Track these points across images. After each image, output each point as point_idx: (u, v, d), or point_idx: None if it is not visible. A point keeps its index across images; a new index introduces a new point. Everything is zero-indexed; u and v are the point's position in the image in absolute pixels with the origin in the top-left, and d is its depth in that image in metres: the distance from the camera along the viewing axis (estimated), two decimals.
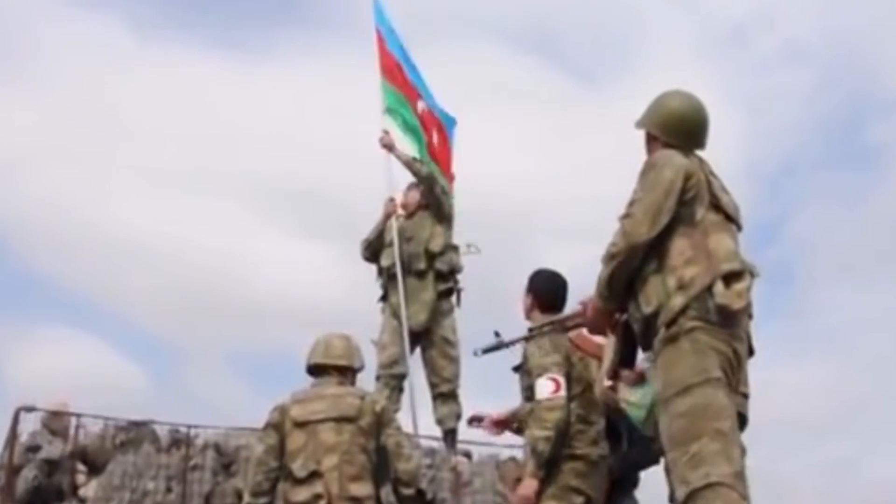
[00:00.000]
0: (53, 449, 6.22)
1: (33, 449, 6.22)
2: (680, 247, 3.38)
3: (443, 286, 6.72)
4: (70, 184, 19.18)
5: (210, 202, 19.92)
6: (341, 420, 4.46)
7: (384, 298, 6.85)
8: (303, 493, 4.33)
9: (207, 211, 19.50)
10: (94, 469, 6.28)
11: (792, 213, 21.88)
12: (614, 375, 4.21)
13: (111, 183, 18.92)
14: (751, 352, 3.47)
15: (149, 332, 19.83)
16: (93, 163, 19.04)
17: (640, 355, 3.83)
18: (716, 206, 3.48)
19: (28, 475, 6.07)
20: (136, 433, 6.29)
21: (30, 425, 6.31)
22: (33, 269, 20.18)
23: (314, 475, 4.35)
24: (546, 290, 4.54)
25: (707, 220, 3.43)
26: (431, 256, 6.68)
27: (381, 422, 4.55)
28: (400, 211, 6.85)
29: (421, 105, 7.23)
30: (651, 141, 3.68)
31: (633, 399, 3.87)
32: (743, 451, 3.40)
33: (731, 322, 3.30)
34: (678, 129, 3.62)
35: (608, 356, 4.29)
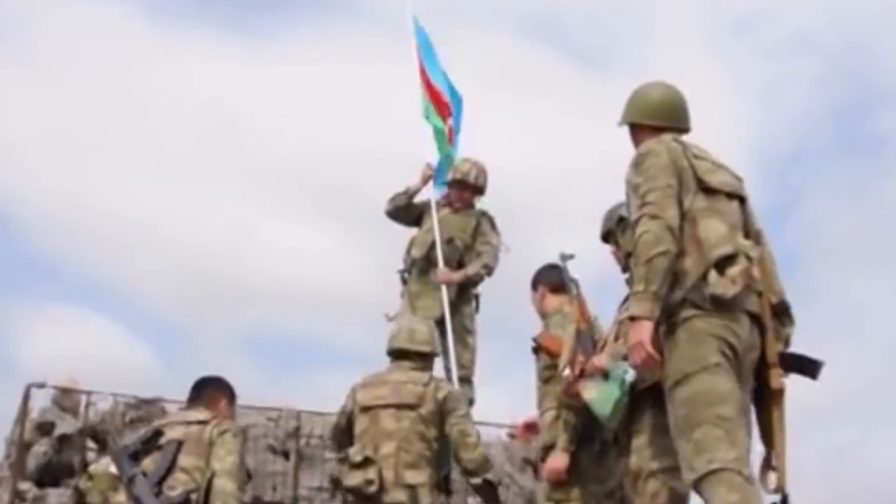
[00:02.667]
0: (65, 426, 6.25)
1: (44, 425, 6.25)
2: None
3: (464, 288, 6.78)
4: (82, 168, 19.29)
5: (220, 186, 19.96)
6: (402, 407, 4.56)
7: (405, 282, 6.87)
8: (356, 477, 4.43)
9: (217, 195, 19.56)
10: (105, 446, 6.30)
11: (799, 200, 21.82)
12: (580, 371, 4.31)
13: (123, 167, 18.97)
14: (787, 308, 3.45)
15: (158, 314, 19.89)
16: (104, 147, 19.07)
17: (605, 355, 3.81)
18: (704, 189, 3.45)
19: (39, 451, 6.11)
20: (145, 410, 6.32)
21: (40, 402, 6.36)
22: (44, 251, 20.27)
23: (368, 461, 4.44)
24: (552, 275, 4.65)
25: (695, 208, 3.40)
26: (461, 265, 6.70)
27: (444, 410, 4.61)
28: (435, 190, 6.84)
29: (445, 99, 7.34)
30: (638, 133, 3.69)
31: (594, 394, 3.82)
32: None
33: (728, 307, 3.28)
34: (666, 112, 3.66)
35: (567, 350, 4.37)
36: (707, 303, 3.27)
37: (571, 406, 4.41)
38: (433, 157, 7.03)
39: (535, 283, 4.87)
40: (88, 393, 6.42)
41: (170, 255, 18.89)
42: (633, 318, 3.31)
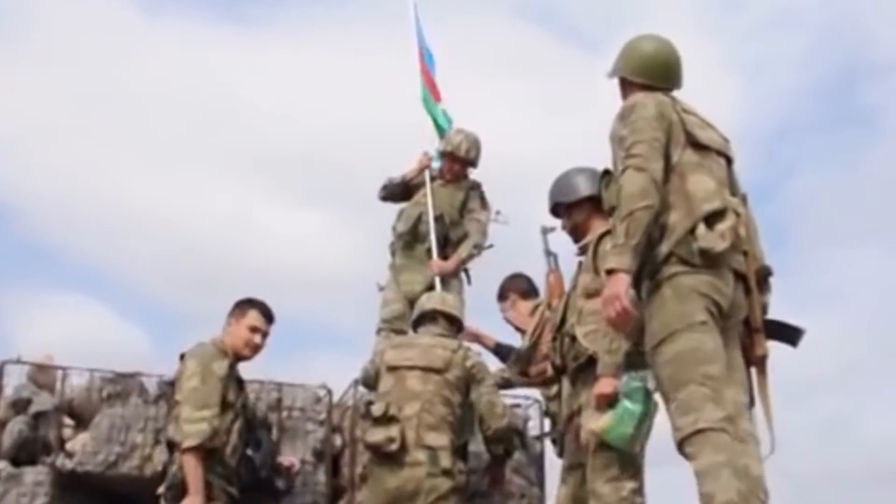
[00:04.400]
0: (41, 402, 6.11)
1: (19, 402, 6.11)
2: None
3: None
4: (78, 156, 19.23)
5: (213, 172, 19.96)
6: (428, 370, 4.70)
7: (393, 254, 6.77)
8: (378, 434, 4.56)
9: (211, 180, 19.59)
10: (81, 422, 6.18)
11: (787, 174, 21.86)
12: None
13: (118, 155, 18.93)
14: (767, 274, 3.38)
15: (154, 300, 19.95)
16: (100, 136, 19.06)
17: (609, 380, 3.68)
18: (693, 143, 3.37)
19: (13, 429, 5.97)
20: (123, 385, 6.17)
21: (14, 379, 6.21)
22: (42, 240, 20.22)
23: (391, 419, 4.56)
24: (519, 283, 4.92)
25: (684, 162, 3.34)
26: (448, 241, 6.57)
27: (473, 378, 4.76)
28: (433, 165, 6.72)
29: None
30: (627, 87, 3.60)
31: (607, 421, 3.68)
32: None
33: (715, 263, 3.22)
34: (654, 70, 3.56)
35: (532, 324, 4.40)
36: (695, 257, 3.19)
37: (532, 384, 4.49)
38: (429, 143, 6.95)
39: (504, 293, 4.88)
40: (64, 368, 6.28)
41: (165, 242, 18.97)
42: (610, 271, 3.21)
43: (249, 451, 4.23)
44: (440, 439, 4.58)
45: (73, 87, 19.43)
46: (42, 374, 6.25)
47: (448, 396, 4.66)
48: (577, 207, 4.28)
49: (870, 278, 19.65)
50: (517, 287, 5.02)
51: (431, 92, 7.24)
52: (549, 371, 4.33)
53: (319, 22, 22.59)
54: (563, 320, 4.21)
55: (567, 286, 4.42)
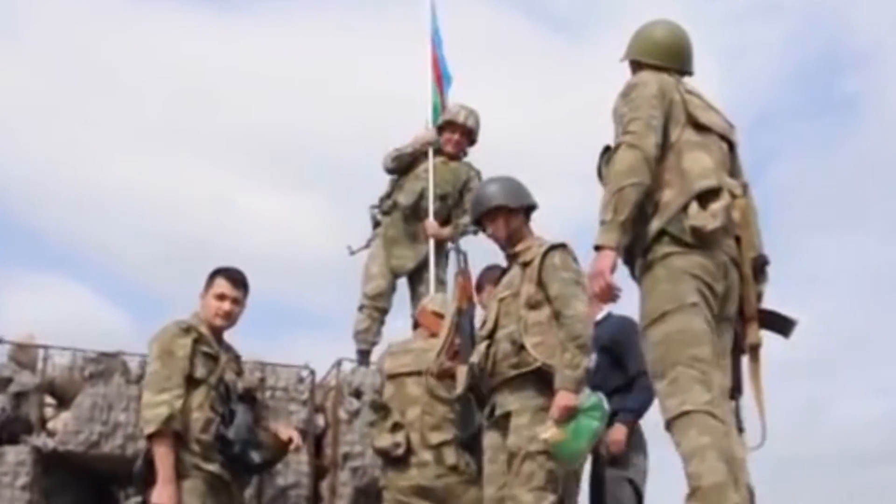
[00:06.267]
0: (22, 381, 6.08)
1: (1, 381, 6.07)
2: (656, 170, 3.26)
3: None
4: (59, 139, 19.01)
5: (197, 155, 19.83)
6: (424, 373, 4.77)
7: (377, 225, 6.71)
8: (385, 439, 4.76)
9: (194, 164, 19.48)
10: (63, 401, 6.16)
11: (768, 161, 21.94)
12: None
13: (100, 138, 18.82)
14: (764, 264, 3.37)
15: (135, 281, 19.83)
16: (82, 117, 18.88)
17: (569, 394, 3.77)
18: (694, 124, 3.37)
19: None
20: (105, 365, 6.14)
21: None
22: (22, 220, 20.02)
23: (396, 426, 4.74)
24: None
25: (682, 140, 3.33)
26: (448, 221, 6.56)
27: None
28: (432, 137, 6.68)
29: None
30: (637, 69, 3.60)
31: (562, 435, 3.75)
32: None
33: (707, 243, 3.20)
34: (664, 53, 3.57)
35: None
36: (686, 235, 3.18)
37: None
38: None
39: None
40: (46, 347, 6.25)
41: (146, 223, 18.81)
42: (597, 248, 3.21)
43: (222, 427, 4.11)
44: (442, 436, 4.70)
45: (54, 68, 19.25)
46: (24, 354, 6.21)
47: (446, 396, 4.74)
48: (516, 214, 4.27)
49: (849, 264, 19.85)
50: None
51: (437, 83, 7.09)
52: (459, 377, 4.34)
53: (300, 4, 22.49)
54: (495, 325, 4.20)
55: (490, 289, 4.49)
